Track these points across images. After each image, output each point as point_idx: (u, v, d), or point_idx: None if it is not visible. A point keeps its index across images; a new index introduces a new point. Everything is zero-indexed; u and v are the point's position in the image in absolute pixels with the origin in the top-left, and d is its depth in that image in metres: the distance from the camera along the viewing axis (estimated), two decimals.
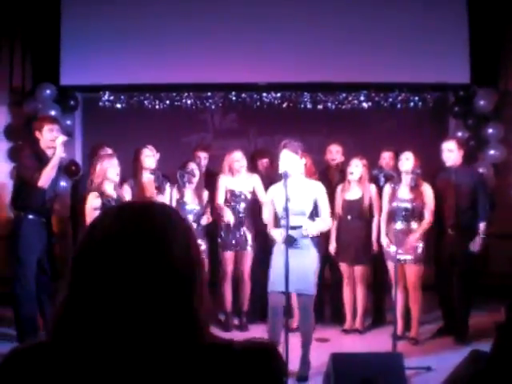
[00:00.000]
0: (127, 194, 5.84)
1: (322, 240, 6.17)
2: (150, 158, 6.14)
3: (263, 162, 7.09)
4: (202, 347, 1.16)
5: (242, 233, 6.42)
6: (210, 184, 6.50)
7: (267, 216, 5.37)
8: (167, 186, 6.05)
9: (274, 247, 5.17)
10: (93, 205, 5.39)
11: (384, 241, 6.05)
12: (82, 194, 5.79)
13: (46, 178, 5.49)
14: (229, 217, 6.24)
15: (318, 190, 5.12)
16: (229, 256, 6.46)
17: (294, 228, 4.92)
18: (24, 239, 5.54)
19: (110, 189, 5.48)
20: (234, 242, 6.41)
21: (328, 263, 6.58)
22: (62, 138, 5.55)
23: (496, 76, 8.32)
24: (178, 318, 1.15)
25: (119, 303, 1.13)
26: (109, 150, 6.14)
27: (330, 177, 6.72)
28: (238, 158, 6.43)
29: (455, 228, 6.01)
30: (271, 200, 5.23)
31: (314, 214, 5.11)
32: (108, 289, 1.14)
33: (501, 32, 8.21)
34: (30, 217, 5.59)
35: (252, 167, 6.88)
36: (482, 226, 6.06)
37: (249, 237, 6.43)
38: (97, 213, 5.41)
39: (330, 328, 6.52)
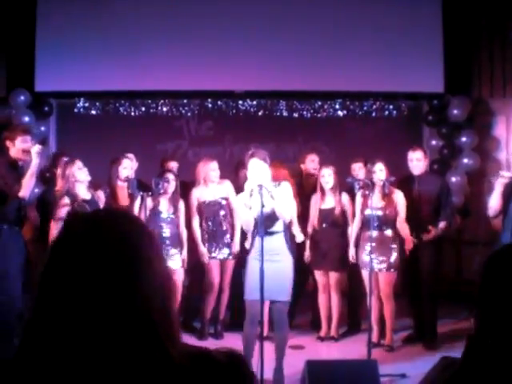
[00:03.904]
0: (100, 202, 5.78)
1: (295, 248, 6.18)
2: (127, 169, 6.06)
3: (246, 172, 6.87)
4: (171, 359, 1.14)
5: (226, 241, 6.36)
6: (184, 194, 6.39)
7: (248, 218, 5.02)
8: (140, 195, 5.93)
9: (248, 255, 5.14)
10: (63, 202, 5.34)
11: (352, 250, 6.13)
12: (50, 200, 5.73)
13: (27, 189, 5.42)
14: (206, 259, 6.29)
15: (284, 189, 5.06)
16: (215, 265, 6.37)
17: (270, 233, 4.91)
18: (2, 250, 5.44)
19: (82, 191, 5.46)
20: (219, 250, 6.34)
21: (303, 271, 6.58)
22: (37, 148, 5.46)
23: (469, 85, 8.42)
24: (150, 336, 1.13)
25: (85, 322, 1.11)
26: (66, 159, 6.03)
27: (307, 186, 6.70)
28: (214, 168, 6.37)
29: (419, 236, 6.03)
30: (245, 204, 5.06)
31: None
32: (74, 307, 1.12)
33: (474, 42, 8.33)
34: (6, 227, 5.51)
35: (235, 176, 6.78)
36: (441, 224, 6.11)
37: (231, 245, 6.38)
38: (66, 210, 5.36)
39: (305, 335, 6.52)
